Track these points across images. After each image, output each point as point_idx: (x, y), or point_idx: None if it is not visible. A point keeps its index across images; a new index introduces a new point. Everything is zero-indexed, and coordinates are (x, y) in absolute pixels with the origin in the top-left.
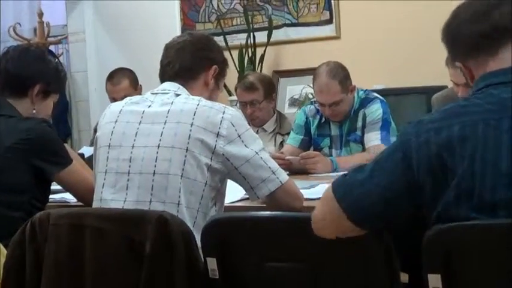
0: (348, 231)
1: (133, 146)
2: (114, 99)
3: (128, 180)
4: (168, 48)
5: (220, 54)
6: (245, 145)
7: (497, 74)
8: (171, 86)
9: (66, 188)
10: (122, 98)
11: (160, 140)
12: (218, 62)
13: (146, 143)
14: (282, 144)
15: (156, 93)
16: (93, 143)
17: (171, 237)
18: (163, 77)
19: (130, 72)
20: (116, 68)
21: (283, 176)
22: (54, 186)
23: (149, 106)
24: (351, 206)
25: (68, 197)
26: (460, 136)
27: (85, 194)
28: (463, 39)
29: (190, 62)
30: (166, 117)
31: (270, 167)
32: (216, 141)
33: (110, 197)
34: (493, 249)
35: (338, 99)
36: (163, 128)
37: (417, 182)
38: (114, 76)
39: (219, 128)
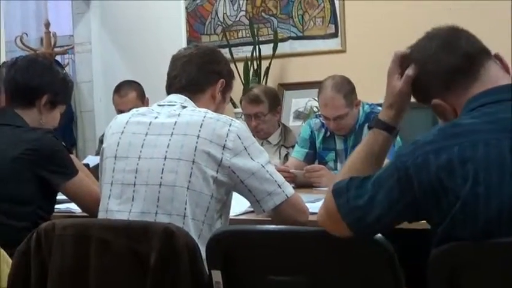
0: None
1: (139, 157)
2: (121, 112)
3: (134, 191)
4: (174, 60)
5: (226, 67)
6: (251, 158)
7: (488, 94)
8: (177, 98)
9: (72, 199)
10: (129, 111)
11: (166, 151)
12: (225, 75)
13: (152, 154)
14: (286, 157)
15: (163, 105)
16: (99, 153)
17: (176, 249)
18: (170, 90)
19: (137, 85)
20: (121, 79)
21: (289, 189)
22: (60, 196)
23: (156, 117)
24: (356, 223)
25: (73, 207)
26: (460, 157)
27: (90, 205)
28: (439, 77)
29: (197, 75)
30: (173, 128)
31: (275, 180)
32: (223, 153)
33: (116, 208)
34: (500, 268)
35: (342, 113)
36: (170, 139)
37: (419, 202)
38: (121, 88)
39: (226, 140)
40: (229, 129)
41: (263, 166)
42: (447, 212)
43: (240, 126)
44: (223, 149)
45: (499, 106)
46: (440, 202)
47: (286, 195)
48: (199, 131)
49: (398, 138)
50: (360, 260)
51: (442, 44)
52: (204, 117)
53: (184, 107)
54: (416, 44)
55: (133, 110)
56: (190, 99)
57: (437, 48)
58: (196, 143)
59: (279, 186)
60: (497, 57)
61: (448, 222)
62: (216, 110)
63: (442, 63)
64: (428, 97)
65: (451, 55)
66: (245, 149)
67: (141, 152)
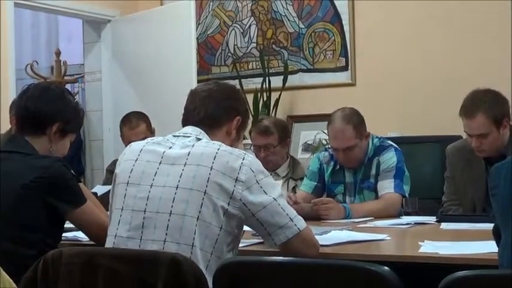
0: None
1: (151, 185)
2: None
3: (144, 218)
4: (193, 94)
5: (244, 106)
6: (264, 191)
7: None
8: (193, 130)
9: (80, 227)
10: None
11: (179, 181)
12: (242, 113)
13: (165, 183)
14: (294, 189)
15: (178, 136)
16: (105, 183)
17: (183, 279)
18: (187, 122)
19: (144, 115)
20: (131, 108)
21: (301, 223)
22: (67, 224)
23: (170, 148)
24: None
25: (81, 235)
26: None
27: (98, 234)
28: None
29: (215, 110)
30: (187, 159)
31: (287, 214)
32: (235, 186)
33: (125, 234)
34: None
35: (352, 145)
36: (183, 169)
37: None
38: (131, 120)
39: (238, 173)
40: (242, 163)
41: (275, 199)
42: None
43: (253, 160)
44: (235, 181)
45: None
46: None
47: (298, 228)
48: (213, 162)
49: (406, 172)
50: None
51: None
52: (218, 149)
53: (199, 139)
54: None
55: (149, 139)
56: (206, 133)
57: None
58: (209, 174)
59: (291, 219)
60: None
61: None
62: (230, 146)
63: None
64: None
65: None
66: (257, 182)
67: (153, 180)
